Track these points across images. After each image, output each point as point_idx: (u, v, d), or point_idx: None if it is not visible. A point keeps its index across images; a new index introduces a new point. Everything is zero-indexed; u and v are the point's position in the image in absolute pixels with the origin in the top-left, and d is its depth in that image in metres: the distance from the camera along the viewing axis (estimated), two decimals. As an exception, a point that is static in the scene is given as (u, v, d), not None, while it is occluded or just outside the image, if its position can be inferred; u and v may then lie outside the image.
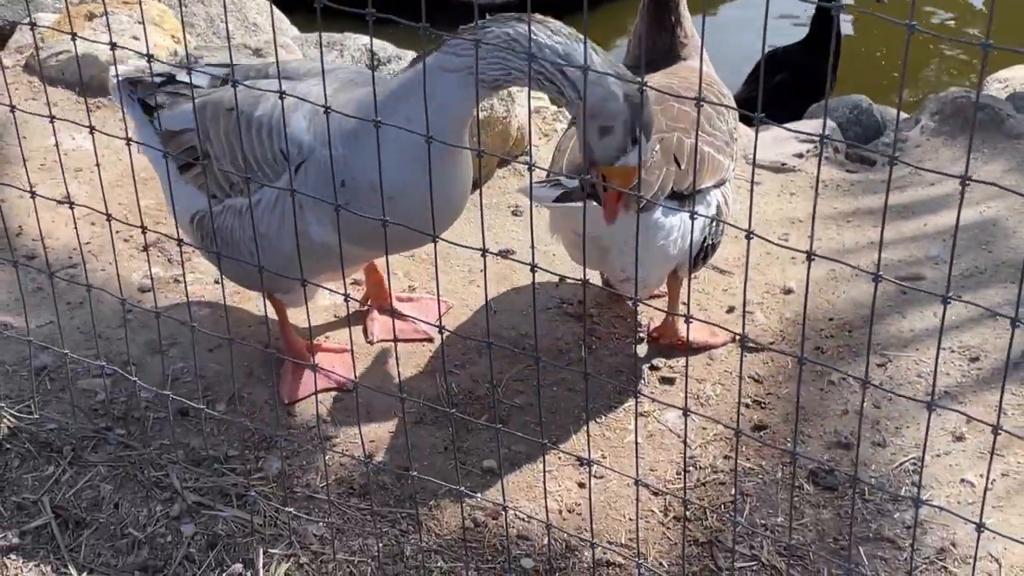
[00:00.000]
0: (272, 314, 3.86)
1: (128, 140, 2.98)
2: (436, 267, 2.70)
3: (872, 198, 4.76)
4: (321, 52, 2.71)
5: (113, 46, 2.83)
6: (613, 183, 3.06)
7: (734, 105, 3.93)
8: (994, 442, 2.36)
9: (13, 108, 3.14)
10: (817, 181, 2.23)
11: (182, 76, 3.59)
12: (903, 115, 5.70)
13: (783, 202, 4.76)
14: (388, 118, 2.78)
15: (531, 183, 2.99)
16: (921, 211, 4.65)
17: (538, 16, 2.91)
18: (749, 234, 2.42)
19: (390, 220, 2.62)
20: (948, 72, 7.88)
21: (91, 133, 3.00)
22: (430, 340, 4.01)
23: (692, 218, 2.54)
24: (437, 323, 3.77)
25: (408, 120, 2.84)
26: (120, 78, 3.69)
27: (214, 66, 3.64)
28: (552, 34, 2.90)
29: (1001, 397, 2.28)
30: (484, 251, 2.62)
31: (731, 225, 2.51)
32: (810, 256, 2.37)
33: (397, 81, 3.14)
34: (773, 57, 7.12)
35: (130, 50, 3.12)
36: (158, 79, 3.60)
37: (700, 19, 4.18)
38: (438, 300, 4.08)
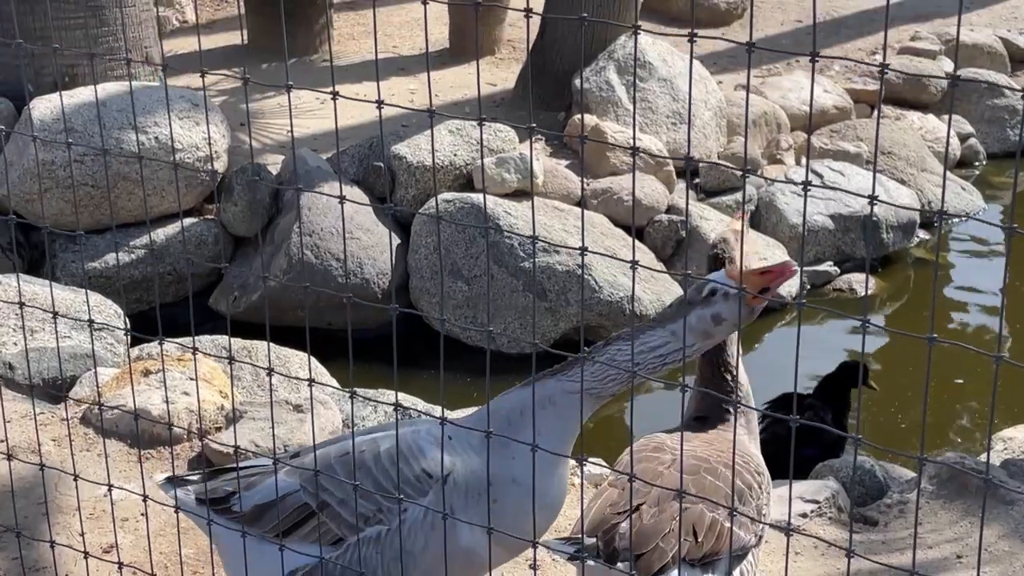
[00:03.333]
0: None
1: (177, 509, 3.32)
2: None
3: (874, 559, 4.98)
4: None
5: (170, 426, 3.22)
6: (753, 282, 3.35)
7: (768, 481, 4.13)
8: None
9: (76, 477, 3.49)
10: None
11: (246, 463, 3.80)
12: (909, 474, 5.98)
13: (788, 561, 4.99)
14: (520, 430, 3.40)
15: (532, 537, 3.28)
16: (920, 573, 4.85)
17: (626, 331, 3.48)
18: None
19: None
20: (953, 435, 8.17)
21: (144, 502, 3.34)
22: None
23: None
24: None
25: (538, 431, 3.36)
26: (162, 482, 3.82)
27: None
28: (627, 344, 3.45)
29: None
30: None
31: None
32: (783, 637, 2.64)
33: (518, 399, 3.54)
34: (790, 402, 7.36)
35: (170, 425, 3.49)
36: (197, 475, 3.84)
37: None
38: None
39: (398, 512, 3.53)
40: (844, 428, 7.38)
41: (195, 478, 3.88)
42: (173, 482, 3.84)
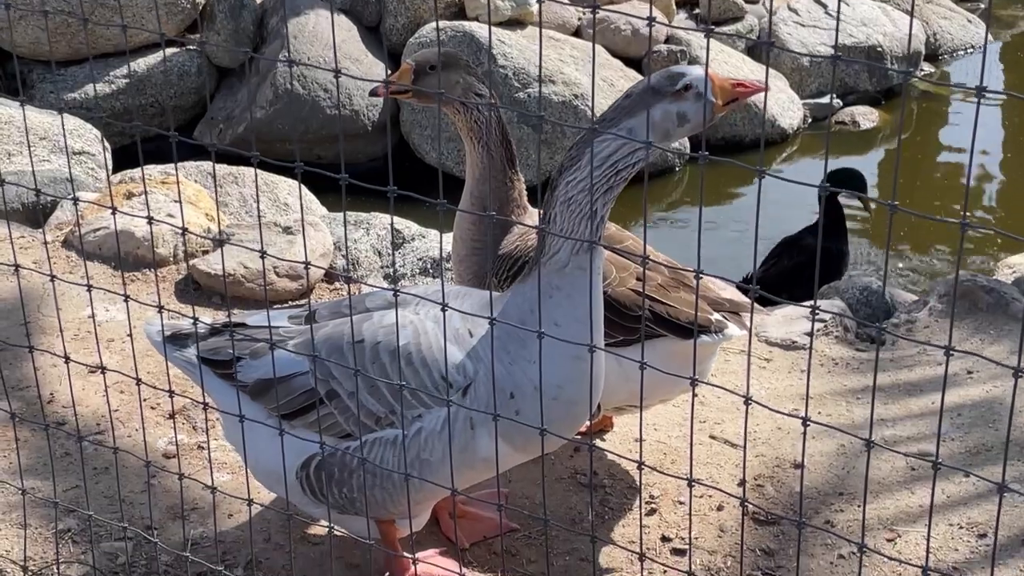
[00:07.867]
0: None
1: (160, 307, 3.15)
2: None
3: (881, 375, 4.86)
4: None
5: (150, 220, 3.02)
6: (727, 90, 3.03)
7: None
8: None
9: (53, 277, 3.31)
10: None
11: (253, 320, 3.51)
12: (913, 297, 5.85)
13: (793, 379, 4.87)
14: (534, 327, 2.90)
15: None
16: (929, 389, 4.75)
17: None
18: (747, 399, 2.56)
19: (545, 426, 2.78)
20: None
21: (125, 301, 3.16)
22: (516, 529, 3.92)
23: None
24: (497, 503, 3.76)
25: (557, 325, 3.05)
26: (163, 336, 3.57)
27: (290, 307, 3.61)
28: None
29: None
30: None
31: (729, 391, 2.63)
32: (805, 423, 2.50)
33: (524, 297, 3.18)
34: (791, 242, 7.30)
35: (166, 223, 3.31)
36: (203, 329, 3.49)
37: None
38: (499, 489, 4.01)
39: (413, 419, 3.23)
40: (846, 254, 7.26)
41: (189, 330, 3.50)
42: (166, 336, 3.55)
